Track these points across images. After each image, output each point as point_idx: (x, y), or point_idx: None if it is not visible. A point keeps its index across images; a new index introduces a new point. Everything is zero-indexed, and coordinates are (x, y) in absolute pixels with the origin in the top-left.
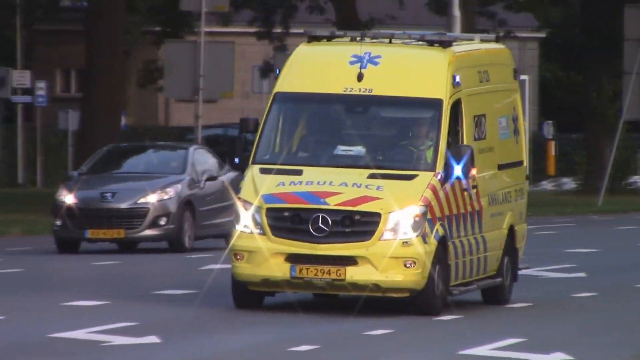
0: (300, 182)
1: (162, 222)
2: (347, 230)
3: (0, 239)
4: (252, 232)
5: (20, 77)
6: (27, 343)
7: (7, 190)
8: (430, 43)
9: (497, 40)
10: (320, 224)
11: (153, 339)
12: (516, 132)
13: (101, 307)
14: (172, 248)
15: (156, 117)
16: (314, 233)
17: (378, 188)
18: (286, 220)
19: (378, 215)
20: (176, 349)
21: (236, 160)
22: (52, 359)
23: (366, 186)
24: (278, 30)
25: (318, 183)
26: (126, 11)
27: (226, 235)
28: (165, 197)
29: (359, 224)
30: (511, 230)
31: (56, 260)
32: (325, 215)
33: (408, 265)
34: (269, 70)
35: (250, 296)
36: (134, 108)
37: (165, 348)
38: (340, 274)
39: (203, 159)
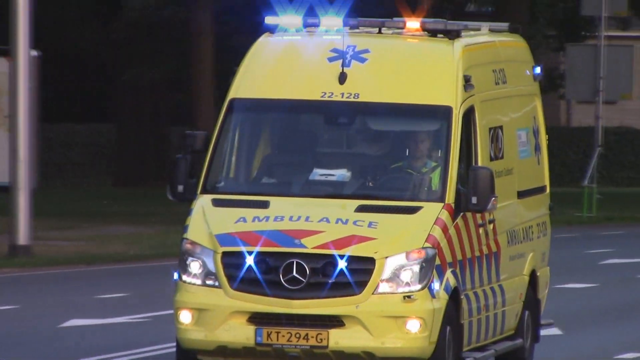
0: (267, 218)
1: None
2: (330, 281)
3: None
4: (203, 284)
5: None
6: None
7: None
8: (433, 33)
9: (511, 30)
10: (294, 274)
11: None
12: (537, 149)
13: None
14: None
15: (557, 118)
16: (286, 285)
17: (370, 225)
18: (249, 269)
19: (371, 260)
20: None
21: (179, 188)
22: None
23: (354, 222)
24: None
25: (290, 219)
26: (530, 17)
27: None
28: None
29: (346, 273)
30: (532, 276)
31: None
32: (301, 262)
33: (411, 328)
34: None
35: None
36: None
37: None
38: (321, 340)
39: None
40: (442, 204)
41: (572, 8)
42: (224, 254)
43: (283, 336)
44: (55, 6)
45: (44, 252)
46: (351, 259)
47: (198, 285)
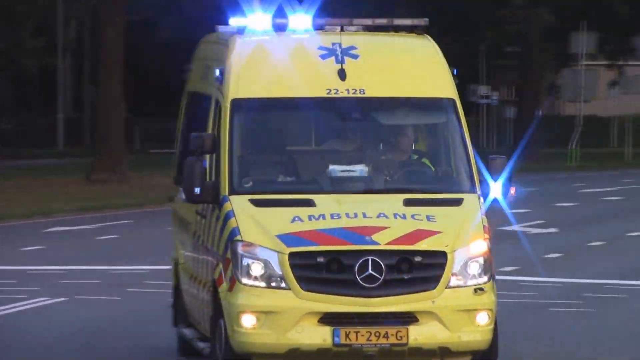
0: (323, 216)
1: None
2: (406, 277)
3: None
4: (268, 287)
5: (484, 90)
6: None
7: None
8: (395, 29)
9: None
10: (371, 271)
11: None
12: None
13: None
14: None
15: (557, 110)
16: (363, 284)
17: (429, 218)
18: (320, 269)
19: (443, 254)
20: None
21: (196, 190)
22: None
23: (412, 216)
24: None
25: (347, 216)
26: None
27: None
28: None
29: (420, 268)
30: None
31: None
32: (376, 259)
33: (480, 320)
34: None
35: None
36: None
37: None
38: (401, 337)
39: None
40: (476, 194)
41: (566, 48)
42: (292, 254)
43: (362, 335)
44: None
45: None
46: (425, 254)
47: (262, 287)
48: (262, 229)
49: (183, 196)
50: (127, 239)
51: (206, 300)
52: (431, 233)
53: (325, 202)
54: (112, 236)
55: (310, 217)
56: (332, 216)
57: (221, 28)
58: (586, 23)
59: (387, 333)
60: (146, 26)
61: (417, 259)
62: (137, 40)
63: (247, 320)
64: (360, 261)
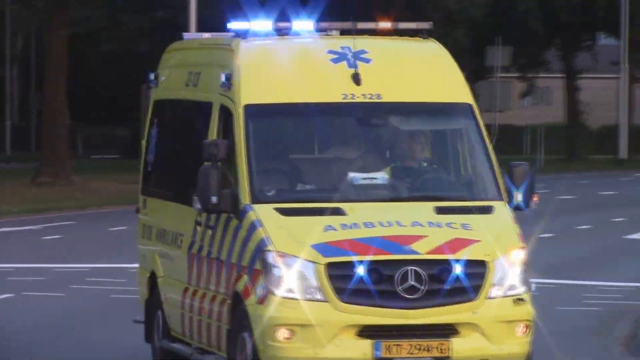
0: (356, 225)
1: None
2: (446, 287)
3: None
4: (305, 299)
5: None
6: None
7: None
8: (401, 33)
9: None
10: (412, 281)
11: None
12: None
13: None
14: None
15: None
16: (403, 295)
17: (464, 227)
18: (359, 279)
19: (484, 264)
20: None
21: (213, 199)
22: None
23: (447, 224)
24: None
25: (381, 224)
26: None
27: None
28: None
29: (463, 278)
30: None
31: None
32: (417, 269)
33: (519, 332)
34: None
35: None
36: None
37: None
38: (443, 350)
39: None
40: (504, 201)
41: (482, 61)
42: (329, 265)
43: (404, 349)
44: None
45: None
46: (467, 263)
47: (297, 299)
48: (295, 238)
49: (198, 205)
50: (70, 238)
51: (217, 313)
52: (470, 242)
53: (355, 211)
54: (56, 236)
55: (343, 226)
56: (365, 225)
57: (187, 35)
58: (501, 38)
59: (429, 346)
60: (89, 38)
61: (458, 268)
62: (81, 50)
63: (282, 334)
64: (400, 271)
